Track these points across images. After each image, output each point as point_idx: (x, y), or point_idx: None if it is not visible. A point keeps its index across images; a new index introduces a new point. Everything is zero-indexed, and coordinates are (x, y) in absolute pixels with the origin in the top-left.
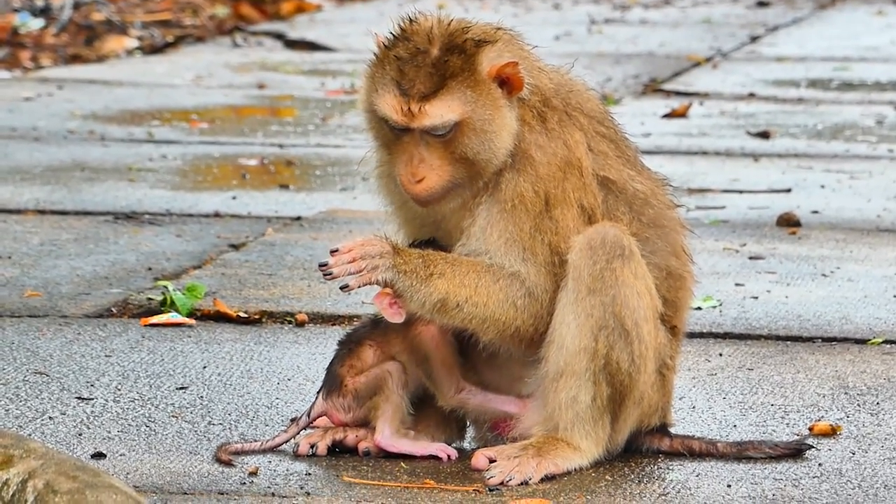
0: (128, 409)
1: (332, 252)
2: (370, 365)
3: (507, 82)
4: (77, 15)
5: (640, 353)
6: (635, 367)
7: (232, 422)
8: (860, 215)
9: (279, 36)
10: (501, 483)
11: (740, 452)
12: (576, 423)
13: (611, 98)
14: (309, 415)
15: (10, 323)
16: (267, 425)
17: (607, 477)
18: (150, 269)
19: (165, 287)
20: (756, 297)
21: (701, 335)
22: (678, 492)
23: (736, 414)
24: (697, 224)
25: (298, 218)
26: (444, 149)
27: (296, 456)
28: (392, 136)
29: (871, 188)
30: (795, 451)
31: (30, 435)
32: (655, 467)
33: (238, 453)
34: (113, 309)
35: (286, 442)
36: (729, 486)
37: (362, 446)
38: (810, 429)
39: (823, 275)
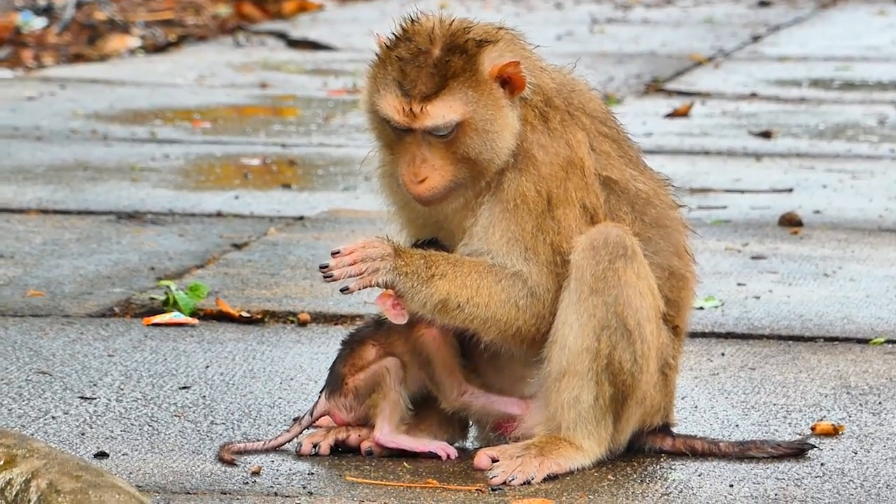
0: (130, 408)
1: (334, 254)
2: (370, 364)
3: (508, 82)
4: (79, 14)
5: (642, 352)
6: (638, 367)
7: (235, 421)
8: (862, 215)
9: (281, 35)
10: (504, 483)
11: (742, 452)
12: (578, 423)
13: (613, 98)
14: (312, 414)
15: (13, 322)
16: (269, 425)
17: (610, 477)
18: (152, 268)
19: (168, 287)
20: (758, 297)
21: (703, 335)
22: (680, 491)
23: (738, 413)
24: (699, 224)
25: (301, 217)
26: (447, 149)
27: (298, 455)
28: (394, 137)
29: (873, 188)
30: (798, 451)
31: (33, 434)
32: (658, 467)
33: (241, 453)
34: (115, 308)
35: (289, 441)
36: (731, 485)
37: (365, 446)
38: (812, 428)
39: (825, 274)
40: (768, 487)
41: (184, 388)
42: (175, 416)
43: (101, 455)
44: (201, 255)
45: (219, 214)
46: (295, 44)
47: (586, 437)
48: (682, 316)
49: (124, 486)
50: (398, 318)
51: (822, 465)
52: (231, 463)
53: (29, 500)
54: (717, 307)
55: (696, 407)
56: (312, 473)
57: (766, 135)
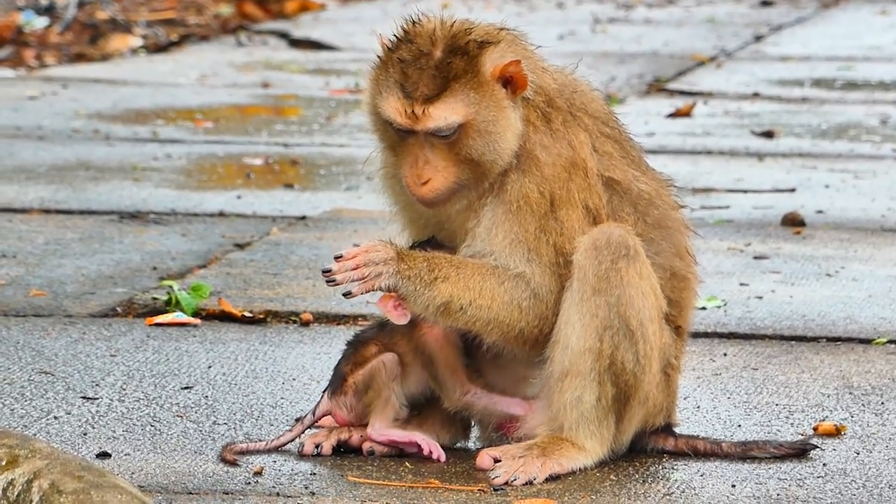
0: (133, 408)
1: (336, 258)
2: (369, 361)
3: (510, 82)
4: (81, 14)
5: (644, 353)
6: (640, 367)
7: (237, 421)
8: (865, 215)
9: (283, 35)
10: (506, 483)
11: (745, 452)
12: (580, 423)
13: (615, 97)
14: (314, 413)
15: (16, 322)
16: (272, 425)
17: (612, 477)
18: (155, 268)
19: (170, 287)
20: (761, 297)
21: (706, 335)
22: (683, 491)
23: (740, 414)
24: (702, 224)
25: (303, 217)
26: (449, 150)
27: (301, 456)
28: (397, 138)
29: (876, 188)
30: (800, 451)
31: (35, 434)
32: (660, 467)
33: (243, 453)
34: (118, 308)
35: (291, 441)
36: (733, 485)
37: (366, 446)
38: (815, 429)
39: (828, 274)
40: (770, 488)
41: (186, 388)
42: (177, 416)
43: (104, 455)
44: (204, 255)
45: (221, 214)
46: (297, 43)
47: (588, 437)
48: (684, 316)
49: (126, 487)
50: (400, 319)
51: (824, 465)
52: (233, 463)
53: (31, 501)
54: (719, 307)
55: (698, 407)
56: (315, 474)
57: (769, 134)
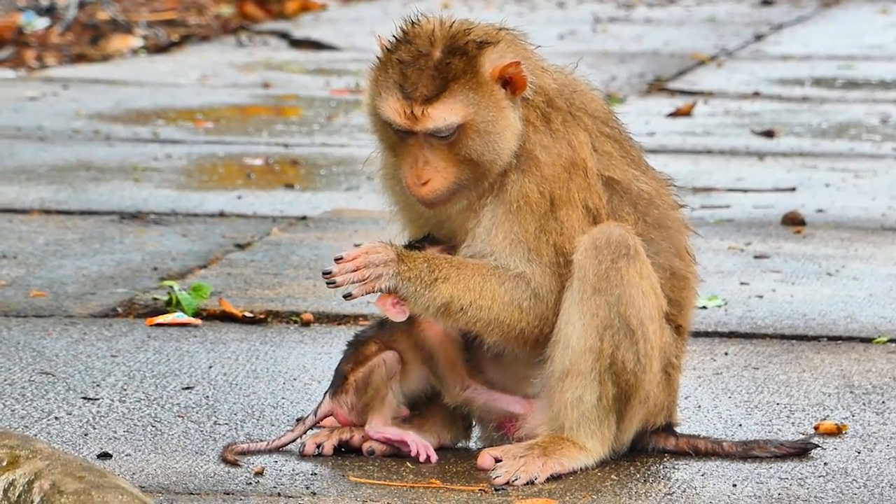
0: (134, 409)
1: (336, 260)
2: (369, 359)
3: (510, 83)
4: (82, 14)
5: (645, 352)
6: (641, 367)
7: (238, 422)
8: (865, 214)
9: (284, 35)
10: (507, 483)
11: (746, 452)
12: (581, 423)
13: (615, 97)
14: (315, 414)
15: (16, 323)
16: (273, 425)
17: (613, 476)
18: (155, 268)
19: (171, 287)
20: (761, 297)
21: (706, 334)
22: (684, 491)
23: (741, 413)
24: (702, 223)
25: (304, 217)
26: (449, 151)
27: (302, 456)
28: (396, 139)
29: (876, 187)
30: (801, 451)
31: (36, 435)
32: (661, 466)
33: (244, 453)
34: (118, 309)
35: (292, 442)
36: (734, 485)
37: (366, 446)
38: (816, 428)
39: (828, 274)
40: (771, 487)
41: (187, 388)
42: (178, 416)
43: (105, 456)
44: (204, 256)
45: (221, 214)
46: (297, 43)
47: (589, 436)
48: (684, 315)
49: (127, 487)
50: (398, 316)
51: (825, 464)
52: (234, 463)
53: (32, 501)
54: (720, 306)
55: (699, 406)
56: (316, 474)
57: (769, 134)
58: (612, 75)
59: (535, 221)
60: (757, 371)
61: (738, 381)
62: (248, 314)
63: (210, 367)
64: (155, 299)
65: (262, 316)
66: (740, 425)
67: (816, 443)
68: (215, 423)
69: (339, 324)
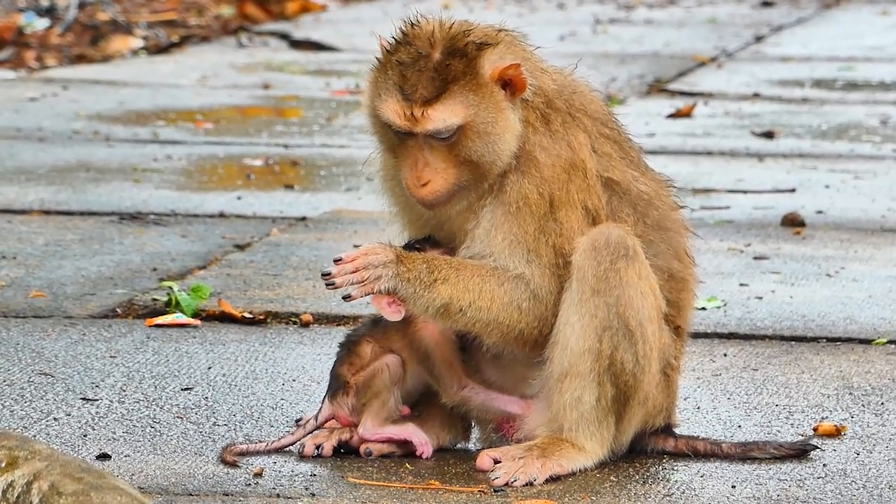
0: (133, 410)
1: (336, 261)
2: (369, 361)
3: (509, 84)
4: (82, 15)
5: (644, 353)
6: (640, 368)
7: (237, 422)
8: (865, 215)
9: (284, 36)
10: (506, 484)
11: (745, 453)
12: (580, 424)
13: (615, 98)
14: (317, 419)
15: (16, 324)
16: (272, 426)
17: (612, 478)
18: (155, 269)
19: (170, 288)
20: (761, 298)
21: (706, 335)
22: (683, 492)
23: (740, 414)
24: (702, 224)
25: (303, 218)
26: (449, 152)
27: (301, 457)
28: (396, 140)
29: (876, 188)
30: (800, 452)
31: (35, 436)
32: (660, 468)
33: (243, 454)
34: (118, 309)
35: (292, 445)
36: (733, 486)
37: (363, 447)
38: (815, 429)
39: (828, 275)
40: (770, 488)
41: (186, 389)
42: (177, 417)
43: (103, 457)
44: (204, 256)
45: (221, 215)
46: (298, 44)
47: (588, 438)
48: (683, 316)
49: (126, 488)
50: (394, 316)
51: (824, 465)
52: (233, 464)
53: (31, 502)
54: (719, 308)
55: (698, 408)
56: (315, 475)
57: (769, 135)
58: (613, 76)
59: (535, 222)
60: (756, 372)
61: (737, 383)
62: (247, 315)
63: (209, 367)
64: (154, 300)
65: (261, 317)
66: (739, 426)
67: (815, 444)
68: (214, 423)
69: (338, 325)
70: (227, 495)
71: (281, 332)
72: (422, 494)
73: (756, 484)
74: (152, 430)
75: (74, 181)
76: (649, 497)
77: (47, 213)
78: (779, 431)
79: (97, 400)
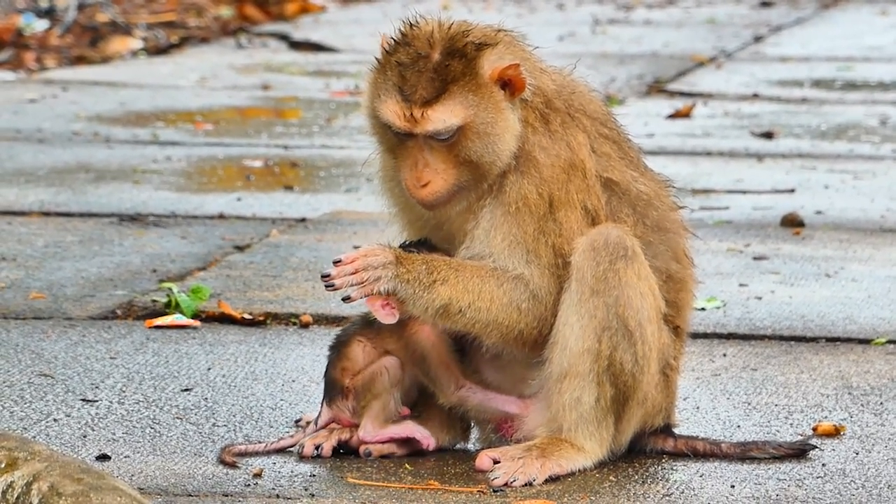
0: (132, 410)
1: (335, 262)
2: (363, 363)
3: (509, 84)
4: (81, 16)
5: (643, 353)
6: (639, 368)
7: (237, 423)
8: (864, 215)
9: (284, 37)
10: (505, 484)
11: (744, 453)
12: (580, 424)
13: (615, 98)
14: (316, 423)
15: (15, 325)
16: (272, 427)
17: (611, 478)
18: (154, 270)
19: (170, 289)
20: (760, 298)
21: (705, 335)
22: (682, 492)
23: (740, 414)
24: (701, 224)
25: (303, 219)
26: (448, 152)
27: (300, 457)
28: (396, 141)
29: (875, 188)
30: (799, 452)
31: (34, 437)
32: (659, 468)
33: (242, 455)
34: (118, 311)
35: (292, 446)
36: (733, 486)
37: (363, 448)
38: (814, 429)
39: (827, 275)
40: (770, 488)
41: (186, 390)
42: (177, 418)
43: (103, 457)
44: (203, 257)
45: (221, 216)
46: (297, 45)
47: (588, 438)
48: (682, 316)
49: (126, 489)
50: (388, 318)
51: (823, 465)
52: (232, 465)
53: (30, 503)
54: (718, 308)
55: (697, 408)
56: (314, 475)
57: (768, 135)
58: (612, 77)
59: (534, 223)
60: (755, 372)
61: (736, 383)
62: (247, 316)
63: (209, 368)
64: (154, 301)
65: (261, 318)
66: (739, 426)
67: (815, 444)
68: (214, 424)
69: (337, 325)
70: (226, 496)
71: (280, 333)
72: (421, 495)
73: (755, 484)
74: (152, 430)
75: (74, 182)
76: (648, 497)
77: (47, 214)
78: (778, 431)
79: (97, 401)
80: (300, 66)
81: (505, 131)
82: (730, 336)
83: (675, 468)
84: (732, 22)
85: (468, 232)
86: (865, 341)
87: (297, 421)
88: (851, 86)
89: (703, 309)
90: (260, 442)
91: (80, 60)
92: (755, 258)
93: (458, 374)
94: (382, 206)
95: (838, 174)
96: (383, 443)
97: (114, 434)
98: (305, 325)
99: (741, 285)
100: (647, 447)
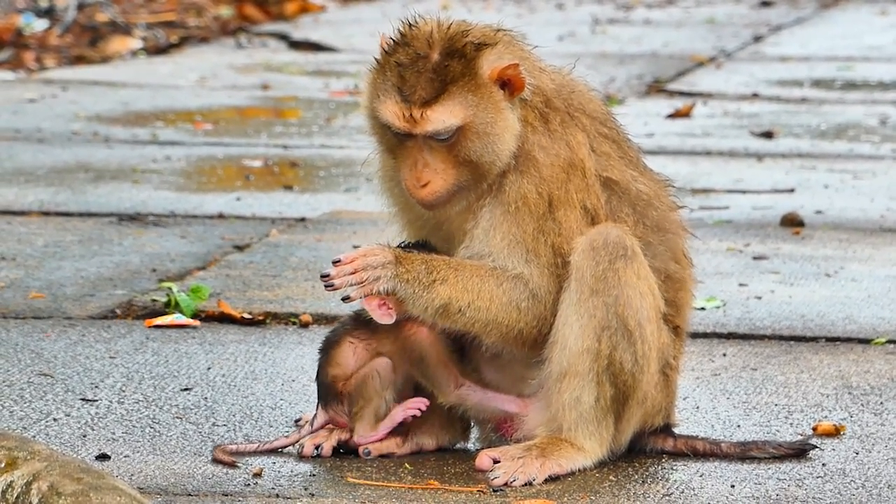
0: (132, 410)
1: (334, 262)
2: (354, 365)
3: (508, 84)
4: (81, 16)
5: (643, 353)
6: (638, 368)
7: (236, 423)
8: (864, 215)
9: (283, 37)
10: (505, 484)
11: (744, 453)
12: (579, 424)
13: (614, 98)
14: (312, 425)
15: (15, 325)
16: (271, 426)
17: (611, 477)
18: (154, 270)
19: (170, 288)
20: (760, 298)
21: (705, 335)
22: (682, 492)
23: (740, 414)
24: (701, 224)
25: (303, 219)
26: (448, 152)
27: (300, 457)
28: (395, 141)
29: (875, 188)
30: (799, 452)
31: (34, 436)
32: (659, 468)
33: (235, 454)
34: (117, 310)
35: (285, 447)
36: (733, 486)
37: (362, 448)
38: (814, 429)
39: (827, 275)
40: (770, 488)
41: (185, 389)
42: (177, 417)
43: (103, 457)
44: (203, 257)
45: (220, 216)
46: (297, 45)
47: (587, 437)
48: (682, 316)
49: (125, 489)
50: (384, 319)
51: (823, 465)
52: (226, 464)
53: (30, 503)
54: (718, 308)
55: (697, 407)
56: (314, 475)
57: (768, 135)
58: (611, 76)
59: (534, 222)
60: (755, 372)
61: (736, 382)
62: (246, 315)
63: (209, 368)
64: (153, 301)
65: (260, 317)
66: (738, 426)
67: (814, 444)
68: (214, 424)
69: None
70: (226, 495)
71: (280, 333)
72: (421, 494)
73: (755, 483)
74: (152, 430)
75: (74, 182)
76: (648, 497)
77: (46, 214)
78: (778, 431)
79: (96, 400)
80: (300, 65)
81: (504, 131)
82: (729, 336)
83: (675, 468)
84: (732, 22)
85: (467, 231)
86: (865, 341)
87: (296, 420)
88: (851, 85)
89: (702, 308)
90: (253, 442)
91: (79, 60)
92: (755, 258)
93: (457, 373)
94: (382, 205)
95: (838, 174)
96: (380, 440)
97: (113, 433)
98: (305, 325)
99: (741, 285)
100: (646, 447)
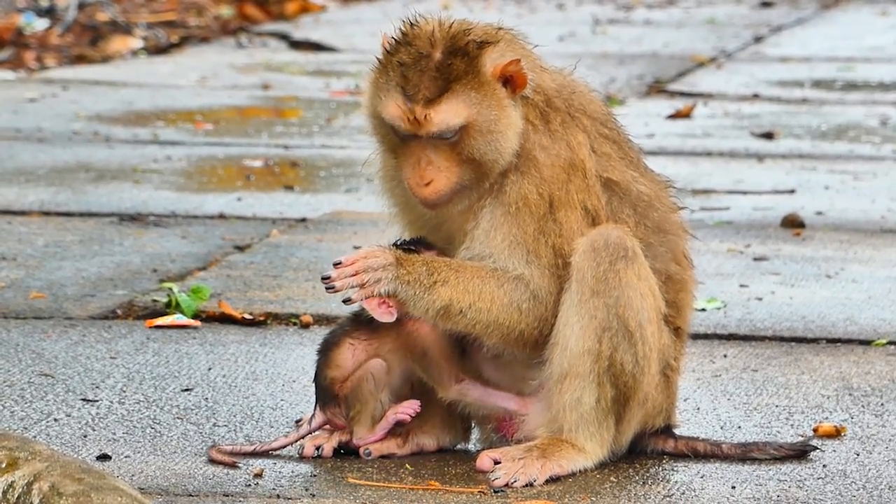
0: (133, 410)
1: (335, 265)
2: (352, 366)
3: (510, 81)
4: (82, 15)
5: (643, 354)
6: (639, 369)
7: (237, 423)
8: (864, 216)
9: (284, 36)
10: (506, 484)
11: (745, 454)
12: (580, 425)
13: (615, 99)
14: (310, 424)
15: (16, 325)
16: (272, 427)
17: (612, 478)
18: (154, 270)
19: (170, 289)
20: (760, 299)
21: (705, 336)
22: (683, 493)
23: (740, 415)
24: (702, 225)
25: (303, 219)
26: (451, 151)
27: (301, 458)
28: (398, 141)
29: (875, 189)
30: (800, 453)
31: (35, 437)
32: (660, 469)
33: (231, 454)
34: (118, 311)
35: (283, 448)
36: (733, 487)
37: (363, 448)
38: (815, 430)
39: (828, 276)
40: (770, 489)
41: (186, 390)
42: (177, 418)
43: (104, 457)
44: (203, 257)
45: (221, 216)
46: (297, 45)
47: (588, 438)
48: (683, 317)
49: (126, 489)
50: (385, 317)
51: (824, 466)
52: (222, 463)
53: (31, 503)
54: (719, 309)
55: (698, 408)
56: (315, 475)
57: (769, 136)
58: (612, 77)
59: (534, 223)
60: (756, 373)
61: (737, 384)
62: (247, 316)
63: (209, 368)
64: (154, 301)
65: (261, 318)
66: (739, 427)
67: (815, 445)
68: (214, 424)
69: None
70: (227, 496)
71: (281, 334)
72: (422, 495)
73: (756, 485)
74: (152, 430)
75: (74, 182)
76: (649, 498)
77: (47, 214)
78: (779, 432)
79: (97, 401)
80: (300, 65)
81: (508, 128)
82: (730, 337)
83: (675, 469)
84: (732, 22)
85: (468, 232)
86: (866, 342)
87: (297, 421)
88: (852, 86)
89: (703, 310)
90: (250, 443)
91: (80, 60)
92: (755, 259)
93: (458, 369)
94: (383, 206)
95: (839, 175)
96: (379, 441)
97: (114, 434)
98: (306, 326)
99: (742, 286)
100: (647, 448)
